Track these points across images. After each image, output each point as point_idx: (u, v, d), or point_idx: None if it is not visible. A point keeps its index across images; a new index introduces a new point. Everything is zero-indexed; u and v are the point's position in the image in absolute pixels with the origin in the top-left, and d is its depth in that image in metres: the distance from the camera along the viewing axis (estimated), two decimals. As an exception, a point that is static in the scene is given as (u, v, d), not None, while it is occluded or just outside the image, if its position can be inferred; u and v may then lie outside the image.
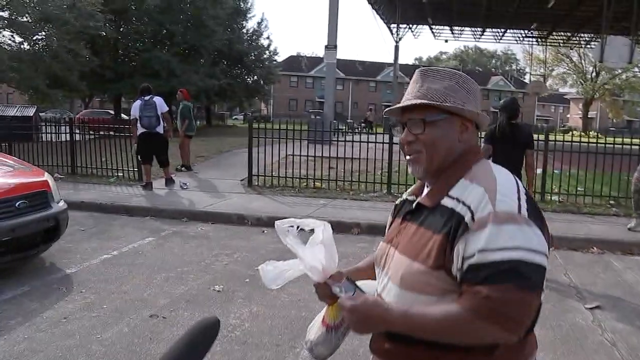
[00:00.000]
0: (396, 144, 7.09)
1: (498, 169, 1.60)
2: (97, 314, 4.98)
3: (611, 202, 10.42)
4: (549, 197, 10.65)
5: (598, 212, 9.89)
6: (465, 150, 1.64)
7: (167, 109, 11.11)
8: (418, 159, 1.64)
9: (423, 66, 1.81)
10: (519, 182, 1.56)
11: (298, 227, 1.83)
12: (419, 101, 1.61)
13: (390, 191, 11.03)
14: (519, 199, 1.47)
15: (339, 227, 8.49)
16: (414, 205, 1.66)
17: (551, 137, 10.79)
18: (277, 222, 1.85)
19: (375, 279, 1.80)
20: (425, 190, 1.71)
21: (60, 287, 5.68)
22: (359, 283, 1.75)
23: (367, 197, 10.83)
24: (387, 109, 1.78)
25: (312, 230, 1.80)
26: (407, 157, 1.67)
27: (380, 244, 1.81)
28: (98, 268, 6.38)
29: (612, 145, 10.51)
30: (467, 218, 1.45)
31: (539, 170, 10.92)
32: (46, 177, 6.66)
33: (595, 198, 10.52)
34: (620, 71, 48.53)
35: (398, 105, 1.68)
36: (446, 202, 1.55)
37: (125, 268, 6.39)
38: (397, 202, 1.88)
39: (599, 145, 10.60)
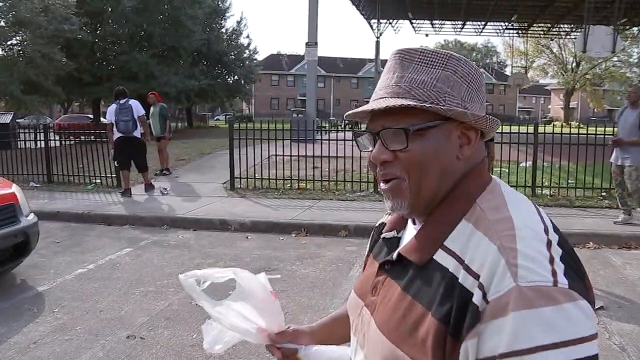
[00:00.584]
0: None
1: (513, 199, 1.08)
2: (69, 336, 4.63)
3: (603, 193, 10.21)
4: (540, 191, 10.41)
5: (590, 204, 9.67)
6: (467, 173, 1.11)
7: (143, 112, 10.78)
8: (398, 190, 1.10)
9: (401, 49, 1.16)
10: (544, 216, 1.06)
11: (205, 281, 1.39)
12: (400, 102, 1.06)
13: (377, 190, 10.72)
14: (551, 258, 0.95)
15: (325, 230, 8.24)
16: (394, 255, 1.14)
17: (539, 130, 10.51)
18: (180, 277, 1.40)
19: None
20: (410, 229, 1.20)
21: (30, 307, 5.32)
22: (327, 350, 1.39)
23: (354, 197, 10.54)
24: (348, 113, 1.20)
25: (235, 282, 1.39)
26: (382, 186, 1.13)
27: (352, 293, 1.31)
28: (72, 284, 6.02)
29: (602, 136, 10.24)
30: (477, 298, 0.94)
31: (529, 163, 10.71)
32: (14, 189, 6.27)
33: (587, 190, 10.29)
34: (600, 61, 48.74)
35: (366, 107, 1.11)
36: (441, 258, 1.04)
37: (101, 283, 6.04)
38: (383, 221, 1.36)
39: (589, 136, 10.35)
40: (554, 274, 0.92)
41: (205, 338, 1.41)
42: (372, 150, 1.13)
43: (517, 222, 1.00)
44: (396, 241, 1.21)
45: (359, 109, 1.13)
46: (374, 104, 1.10)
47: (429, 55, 1.10)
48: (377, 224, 1.38)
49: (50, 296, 5.64)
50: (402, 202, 1.10)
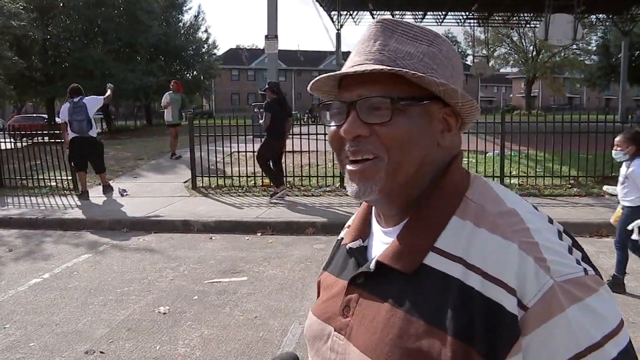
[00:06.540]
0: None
1: (501, 190, 0.97)
2: (22, 354, 4.31)
3: (571, 182, 10.19)
4: (509, 181, 10.33)
5: (559, 193, 9.66)
6: (449, 164, 0.98)
7: (99, 105, 10.30)
8: (373, 171, 0.93)
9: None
10: (534, 206, 0.96)
11: None
12: (389, 68, 0.90)
13: (343, 184, 10.50)
14: (569, 248, 0.87)
15: (292, 228, 8.03)
16: (372, 265, 0.96)
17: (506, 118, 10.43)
18: None
19: None
20: (379, 234, 1.03)
21: (-21, 324, 4.96)
22: None
23: (320, 192, 10.33)
24: (317, 78, 1.00)
25: None
26: (351, 167, 0.95)
27: (310, 317, 1.10)
28: (26, 296, 5.66)
29: (569, 123, 10.22)
30: (511, 306, 0.81)
31: (497, 153, 10.63)
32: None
33: (555, 179, 10.26)
34: (559, 49, 49.54)
35: (348, 70, 0.94)
36: (436, 262, 0.90)
37: (57, 293, 5.70)
38: (339, 237, 1.20)
39: (555, 124, 10.30)
40: (579, 262, 0.85)
41: None
42: (339, 125, 0.95)
43: (524, 214, 0.90)
44: (363, 251, 1.04)
45: (332, 74, 0.96)
46: (356, 67, 0.93)
47: (414, 29, 0.96)
48: (336, 240, 1.20)
49: (1, 310, 5.28)
50: (373, 186, 0.94)
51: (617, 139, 5.44)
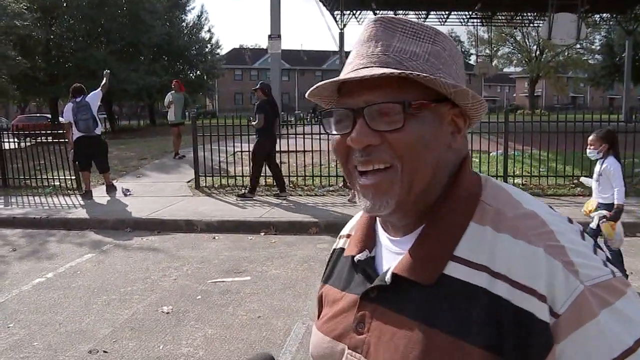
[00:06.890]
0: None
1: (515, 191, 0.93)
2: (26, 354, 4.31)
3: (575, 181, 10.17)
4: (512, 181, 10.30)
5: (563, 192, 9.64)
6: (460, 167, 0.94)
7: (99, 100, 10.33)
8: (386, 184, 0.88)
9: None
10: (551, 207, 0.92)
11: None
12: (397, 72, 0.84)
13: (346, 184, 10.51)
14: (594, 249, 0.84)
15: (295, 228, 8.03)
16: (387, 277, 0.90)
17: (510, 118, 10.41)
18: None
19: None
20: (387, 244, 0.98)
21: (-17, 323, 4.96)
22: None
23: (323, 191, 10.33)
24: (316, 85, 0.93)
25: None
26: (364, 181, 0.89)
27: (316, 335, 1.03)
28: (29, 295, 5.67)
29: (572, 123, 10.20)
30: (543, 315, 0.78)
31: (500, 152, 10.60)
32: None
33: (559, 178, 10.24)
34: (563, 48, 49.45)
35: (352, 76, 0.86)
36: (457, 272, 0.85)
37: (60, 293, 5.71)
38: (335, 247, 1.14)
39: (559, 124, 10.29)
40: (605, 264, 0.82)
41: None
42: (346, 134, 0.90)
43: (544, 216, 0.86)
44: (371, 262, 0.98)
45: (335, 79, 0.89)
46: (363, 72, 0.86)
47: (415, 27, 0.90)
48: (332, 250, 1.15)
49: (5, 309, 5.29)
50: (390, 200, 0.88)
51: (590, 137, 5.54)
